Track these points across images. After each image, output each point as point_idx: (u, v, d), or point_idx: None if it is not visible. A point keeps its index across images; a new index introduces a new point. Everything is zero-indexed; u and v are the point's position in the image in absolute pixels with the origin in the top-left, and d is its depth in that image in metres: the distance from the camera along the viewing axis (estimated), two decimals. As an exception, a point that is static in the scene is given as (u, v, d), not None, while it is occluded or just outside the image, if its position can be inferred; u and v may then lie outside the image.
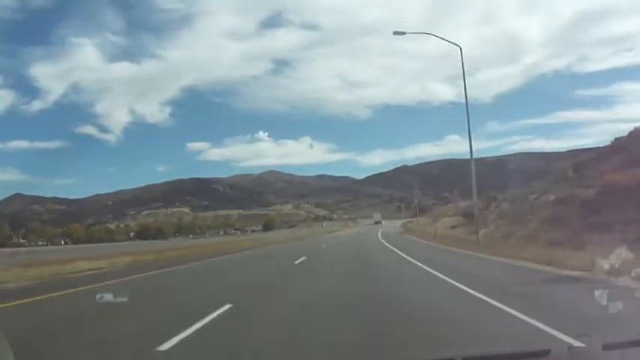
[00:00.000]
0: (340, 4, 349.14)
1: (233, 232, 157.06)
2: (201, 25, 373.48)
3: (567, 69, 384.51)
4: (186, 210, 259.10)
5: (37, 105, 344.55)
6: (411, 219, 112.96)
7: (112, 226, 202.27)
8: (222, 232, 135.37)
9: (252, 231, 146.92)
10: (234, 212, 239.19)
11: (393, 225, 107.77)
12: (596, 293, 5.27)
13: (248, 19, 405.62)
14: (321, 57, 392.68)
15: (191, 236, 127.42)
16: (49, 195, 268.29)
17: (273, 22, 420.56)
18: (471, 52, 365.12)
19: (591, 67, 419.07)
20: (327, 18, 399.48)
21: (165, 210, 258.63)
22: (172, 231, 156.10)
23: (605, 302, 5.05)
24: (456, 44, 34.40)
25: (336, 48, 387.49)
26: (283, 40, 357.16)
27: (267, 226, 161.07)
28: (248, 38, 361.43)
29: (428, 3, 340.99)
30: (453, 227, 55.49)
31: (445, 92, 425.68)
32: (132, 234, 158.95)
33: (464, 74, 34.71)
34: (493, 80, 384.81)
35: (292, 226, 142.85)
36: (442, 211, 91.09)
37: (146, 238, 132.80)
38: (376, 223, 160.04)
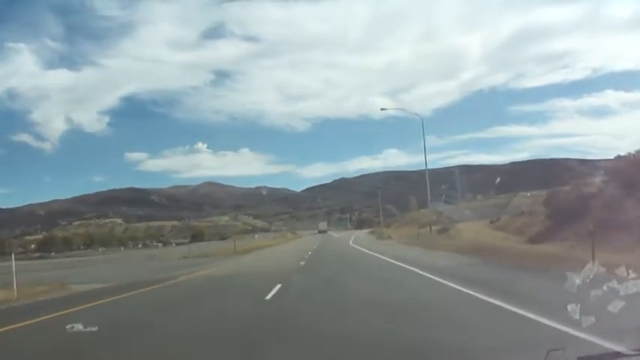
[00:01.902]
0: (283, 17, 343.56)
1: (155, 244, 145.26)
2: (142, 33, 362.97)
3: (504, 85, 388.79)
4: (119, 221, 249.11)
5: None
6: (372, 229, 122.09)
7: (37, 237, 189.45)
8: (140, 245, 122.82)
9: (177, 244, 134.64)
10: (168, 223, 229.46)
11: (357, 237, 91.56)
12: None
13: (190, 29, 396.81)
14: (262, 69, 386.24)
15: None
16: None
17: (214, 32, 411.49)
18: (410, 66, 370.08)
19: (528, 83, 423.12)
20: (269, 30, 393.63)
21: (97, 220, 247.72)
22: (84, 243, 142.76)
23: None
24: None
25: (278, 60, 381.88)
26: (225, 51, 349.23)
27: (196, 238, 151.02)
28: (189, 48, 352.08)
29: (369, 18, 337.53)
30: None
31: (384, 106, 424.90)
32: (33, 246, 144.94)
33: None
34: (432, 95, 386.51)
35: (224, 239, 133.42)
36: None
37: (49, 252, 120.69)
38: (320, 232, 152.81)
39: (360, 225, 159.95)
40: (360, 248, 49.40)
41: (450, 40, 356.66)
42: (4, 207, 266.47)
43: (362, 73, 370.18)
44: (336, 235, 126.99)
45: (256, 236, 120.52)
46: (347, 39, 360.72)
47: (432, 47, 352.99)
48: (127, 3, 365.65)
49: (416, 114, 52.93)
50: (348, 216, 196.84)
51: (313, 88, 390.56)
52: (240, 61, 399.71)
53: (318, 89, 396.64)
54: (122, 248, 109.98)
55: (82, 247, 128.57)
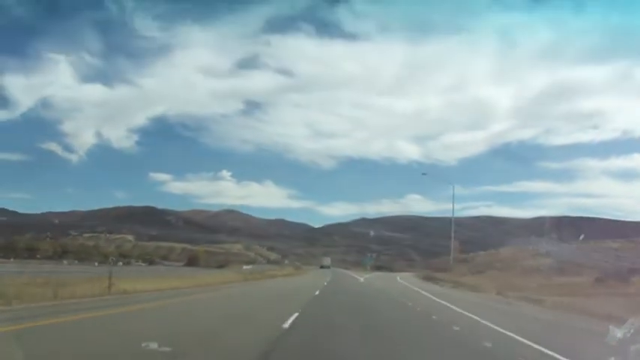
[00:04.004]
0: (317, 54, 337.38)
1: (139, 263, 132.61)
2: (178, 57, 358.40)
3: (532, 140, 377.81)
4: (130, 237, 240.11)
5: (3, 114, 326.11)
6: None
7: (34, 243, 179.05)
8: (120, 263, 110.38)
9: (165, 265, 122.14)
10: (178, 246, 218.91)
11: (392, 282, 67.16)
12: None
13: (225, 57, 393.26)
14: (292, 103, 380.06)
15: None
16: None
17: (249, 63, 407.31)
18: (439, 114, 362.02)
19: (556, 140, 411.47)
20: (303, 65, 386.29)
21: (108, 235, 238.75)
22: (55, 253, 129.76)
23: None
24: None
25: (309, 96, 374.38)
26: (257, 82, 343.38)
27: (191, 262, 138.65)
28: (223, 76, 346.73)
29: (401, 63, 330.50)
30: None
31: (411, 151, 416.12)
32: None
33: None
34: (458, 144, 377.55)
35: (221, 266, 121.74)
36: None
37: (6, 257, 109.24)
38: (322, 267, 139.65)
39: (378, 268, 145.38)
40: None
41: (480, 91, 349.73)
42: (22, 212, 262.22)
43: (390, 116, 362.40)
44: (360, 278, 76.42)
45: (250, 267, 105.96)
46: (378, 81, 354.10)
47: (462, 97, 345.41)
48: (167, 25, 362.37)
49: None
50: (373, 255, 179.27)
51: (341, 127, 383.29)
52: (272, 93, 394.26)
53: (345, 128, 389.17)
54: (96, 264, 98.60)
55: (55, 258, 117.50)
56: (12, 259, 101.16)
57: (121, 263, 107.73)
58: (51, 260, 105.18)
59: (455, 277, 64.55)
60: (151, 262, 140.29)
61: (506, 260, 72.89)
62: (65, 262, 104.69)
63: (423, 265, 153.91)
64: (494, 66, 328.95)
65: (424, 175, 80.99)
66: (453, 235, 57.38)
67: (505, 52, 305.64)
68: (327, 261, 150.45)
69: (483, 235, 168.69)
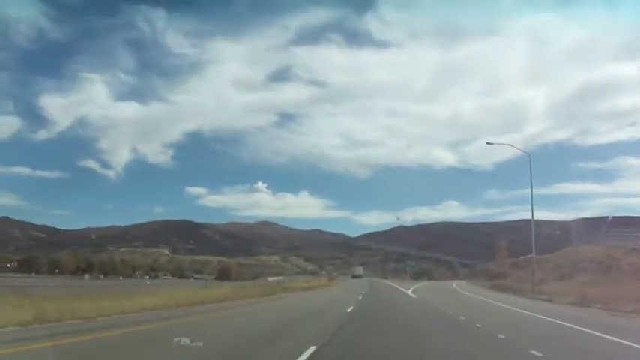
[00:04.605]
0: (349, 64, 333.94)
1: (167, 277, 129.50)
2: (210, 72, 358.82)
3: (569, 141, 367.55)
4: (166, 251, 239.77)
5: (42, 134, 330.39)
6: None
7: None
8: (147, 277, 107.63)
9: (196, 278, 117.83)
10: (213, 258, 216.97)
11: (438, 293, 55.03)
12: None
13: (257, 70, 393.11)
14: (325, 113, 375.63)
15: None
16: (39, 223, 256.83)
17: (281, 75, 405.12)
18: (473, 118, 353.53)
19: (593, 140, 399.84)
20: (334, 76, 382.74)
21: (144, 249, 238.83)
22: (79, 268, 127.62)
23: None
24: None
25: (342, 106, 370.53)
26: (290, 94, 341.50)
27: (222, 275, 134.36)
28: (255, 89, 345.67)
29: (433, 69, 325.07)
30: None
31: (446, 157, 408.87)
32: (12, 264, 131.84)
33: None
34: (494, 148, 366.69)
35: (254, 278, 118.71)
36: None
37: (28, 272, 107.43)
38: (355, 277, 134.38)
39: (417, 276, 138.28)
40: None
41: (514, 93, 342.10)
42: (62, 228, 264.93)
43: (424, 122, 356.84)
44: (407, 290, 60.50)
45: (279, 279, 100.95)
46: (411, 88, 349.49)
47: (496, 100, 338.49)
48: (198, 42, 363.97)
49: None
50: (414, 263, 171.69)
51: (375, 135, 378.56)
52: (305, 104, 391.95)
53: (380, 136, 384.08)
54: (120, 278, 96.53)
55: (78, 273, 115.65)
56: (33, 274, 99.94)
57: (147, 277, 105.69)
58: (73, 275, 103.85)
59: (527, 284, 52.90)
60: (181, 275, 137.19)
61: (596, 260, 61.72)
62: (87, 276, 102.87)
63: (467, 271, 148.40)
64: (527, 67, 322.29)
65: (489, 144, 66.99)
66: (533, 237, 50.35)
67: (537, 53, 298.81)
68: (359, 270, 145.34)
69: (525, 238, 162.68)
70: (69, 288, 40.81)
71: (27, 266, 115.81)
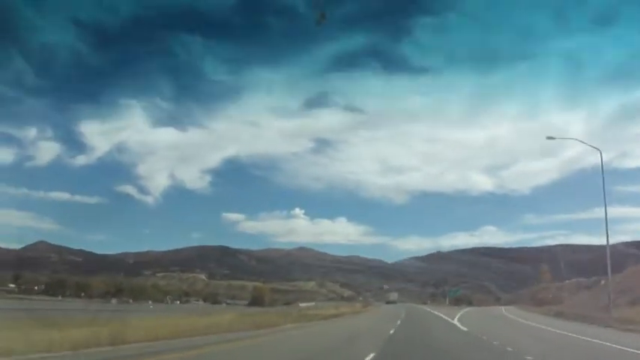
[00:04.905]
0: (385, 89, 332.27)
1: (198, 302, 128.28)
2: (247, 98, 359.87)
3: (607, 164, 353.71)
4: (202, 277, 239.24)
5: (81, 160, 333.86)
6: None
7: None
8: (177, 302, 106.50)
9: (228, 304, 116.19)
10: (249, 284, 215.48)
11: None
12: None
13: (293, 97, 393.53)
14: (362, 139, 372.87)
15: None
16: (76, 247, 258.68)
17: (318, 101, 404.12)
18: (510, 143, 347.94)
19: (633, 163, 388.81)
20: (371, 102, 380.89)
21: (181, 274, 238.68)
22: (109, 292, 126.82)
23: None
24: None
25: (378, 132, 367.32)
26: (326, 120, 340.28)
27: (256, 301, 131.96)
28: (292, 115, 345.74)
29: (470, 92, 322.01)
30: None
31: (483, 182, 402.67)
32: (39, 287, 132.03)
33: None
34: (531, 172, 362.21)
35: (287, 304, 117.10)
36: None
37: (54, 295, 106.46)
38: (389, 302, 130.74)
39: (457, 302, 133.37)
40: None
41: (551, 116, 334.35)
42: (99, 252, 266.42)
43: (461, 147, 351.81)
44: (453, 320, 51.18)
45: (302, 304, 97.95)
46: (447, 113, 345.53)
47: (532, 124, 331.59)
48: (235, 69, 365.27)
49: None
50: (455, 288, 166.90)
51: (412, 161, 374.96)
52: (342, 130, 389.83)
53: (417, 162, 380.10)
54: (150, 302, 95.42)
55: (106, 296, 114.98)
56: (60, 297, 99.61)
57: (178, 302, 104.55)
58: (101, 299, 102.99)
59: (593, 311, 47.13)
60: (214, 301, 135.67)
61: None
62: (114, 300, 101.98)
63: (510, 297, 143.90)
64: (563, 90, 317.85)
65: (550, 138, 58.57)
66: (608, 257, 44.77)
67: (573, 76, 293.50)
68: (393, 296, 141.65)
69: (566, 262, 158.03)
70: (83, 312, 38.55)
71: (54, 289, 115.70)
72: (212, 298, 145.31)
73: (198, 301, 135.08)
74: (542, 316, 60.27)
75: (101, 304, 74.30)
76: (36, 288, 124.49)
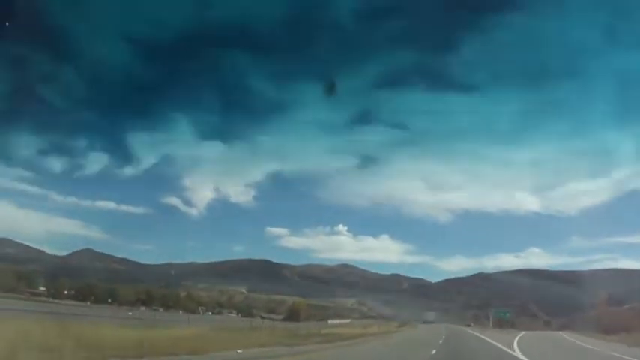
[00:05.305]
0: (430, 107, 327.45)
1: (232, 314, 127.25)
2: (292, 113, 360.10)
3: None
4: (242, 290, 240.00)
5: (128, 171, 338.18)
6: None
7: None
8: (209, 312, 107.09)
9: (262, 317, 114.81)
10: (289, 299, 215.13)
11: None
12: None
13: (339, 113, 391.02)
14: (407, 157, 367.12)
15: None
16: (120, 255, 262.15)
17: (363, 118, 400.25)
18: (557, 163, 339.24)
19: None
20: (416, 119, 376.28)
21: (221, 286, 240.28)
22: (139, 300, 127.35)
23: None
24: None
25: (423, 149, 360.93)
26: (371, 136, 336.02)
27: (291, 316, 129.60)
28: (337, 132, 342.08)
29: (516, 111, 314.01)
30: None
31: (530, 203, 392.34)
32: (68, 292, 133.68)
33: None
34: (580, 193, 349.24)
35: (321, 320, 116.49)
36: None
37: (84, 300, 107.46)
38: (425, 322, 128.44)
39: (501, 324, 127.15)
40: None
41: (600, 135, 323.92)
42: (145, 262, 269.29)
43: (507, 167, 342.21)
44: (514, 351, 40.45)
45: (332, 321, 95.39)
46: (494, 131, 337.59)
47: (581, 143, 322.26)
48: (281, 83, 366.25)
49: None
50: (505, 309, 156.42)
51: (457, 180, 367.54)
52: (387, 147, 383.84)
53: (461, 181, 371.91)
54: (181, 312, 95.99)
55: (138, 304, 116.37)
56: (89, 303, 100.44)
57: (210, 313, 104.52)
58: (131, 306, 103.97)
59: None
60: (247, 314, 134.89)
61: None
62: (143, 308, 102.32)
63: (562, 321, 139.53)
64: (614, 108, 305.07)
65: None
66: None
67: (624, 93, 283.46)
68: (430, 316, 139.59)
69: (618, 288, 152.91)
70: (99, 318, 38.06)
71: (84, 295, 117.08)
72: (247, 311, 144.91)
73: (231, 313, 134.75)
74: (626, 347, 48.58)
75: (125, 311, 74.58)
76: (65, 292, 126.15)
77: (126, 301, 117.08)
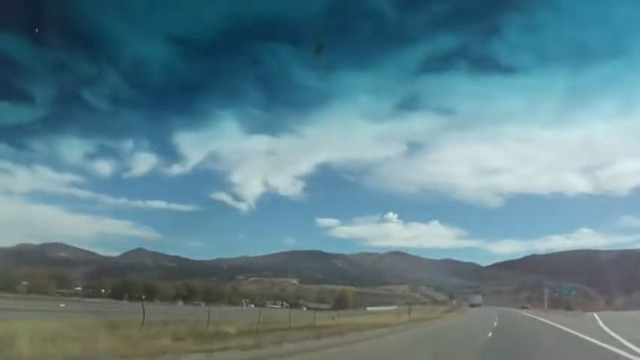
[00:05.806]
0: (476, 90, 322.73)
1: (276, 306, 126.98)
2: (338, 104, 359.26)
3: None
4: (294, 281, 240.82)
5: (176, 169, 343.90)
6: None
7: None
8: (253, 305, 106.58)
9: (308, 308, 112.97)
10: (340, 288, 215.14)
11: None
12: None
13: (384, 101, 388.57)
14: (454, 142, 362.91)
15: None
16: (172, 253, 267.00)
17: (409, 105, 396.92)
18: (607, 142, 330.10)
19: None
20: (462, 103, 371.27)
21: (272, 279, 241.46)
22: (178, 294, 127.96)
23: None
24: None
25: (470, 133, 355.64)
26: (418, 123, 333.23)
27: (339, 304, 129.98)
28: (383, 120, 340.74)
29: (563, 91, 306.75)
30: None
31: (579, 184, 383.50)
32: (105, 290, 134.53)
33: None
34: (630, 172, 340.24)
35: (372, 306, 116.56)
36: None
37: (120, 298, 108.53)
38: (473, 306, 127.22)
39: (555, 305, 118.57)
40: None
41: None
42: (195, 259, 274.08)
43: (555, 148, 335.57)
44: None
45: (370, 308, 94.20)
46: (540, 113, 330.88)
47: (630, 122, 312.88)
48: (325, 74, 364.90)
49: None
50: (572, 286, 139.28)
51: (505, 163, 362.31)
52: (433, 133, 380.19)
53: (510, 164, 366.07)
54: (221, 306, 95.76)
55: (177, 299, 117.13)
56: (125, 300, 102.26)
57: (252, 305, 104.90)
58: (170, 302, 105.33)
59: None
60: (293, 305, 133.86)
61: None
62: (180, 303, 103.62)
63: (623, 300, 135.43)
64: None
65: None
66: None
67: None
68: (477, 299, 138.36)
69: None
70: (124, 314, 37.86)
71: (121, 292, 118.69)
72: (294, 302, 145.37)
73: (275, 304, 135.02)
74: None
75: (159, 306, 75.34)
76: (103, 291, 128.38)
77: (165, 297, 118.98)
